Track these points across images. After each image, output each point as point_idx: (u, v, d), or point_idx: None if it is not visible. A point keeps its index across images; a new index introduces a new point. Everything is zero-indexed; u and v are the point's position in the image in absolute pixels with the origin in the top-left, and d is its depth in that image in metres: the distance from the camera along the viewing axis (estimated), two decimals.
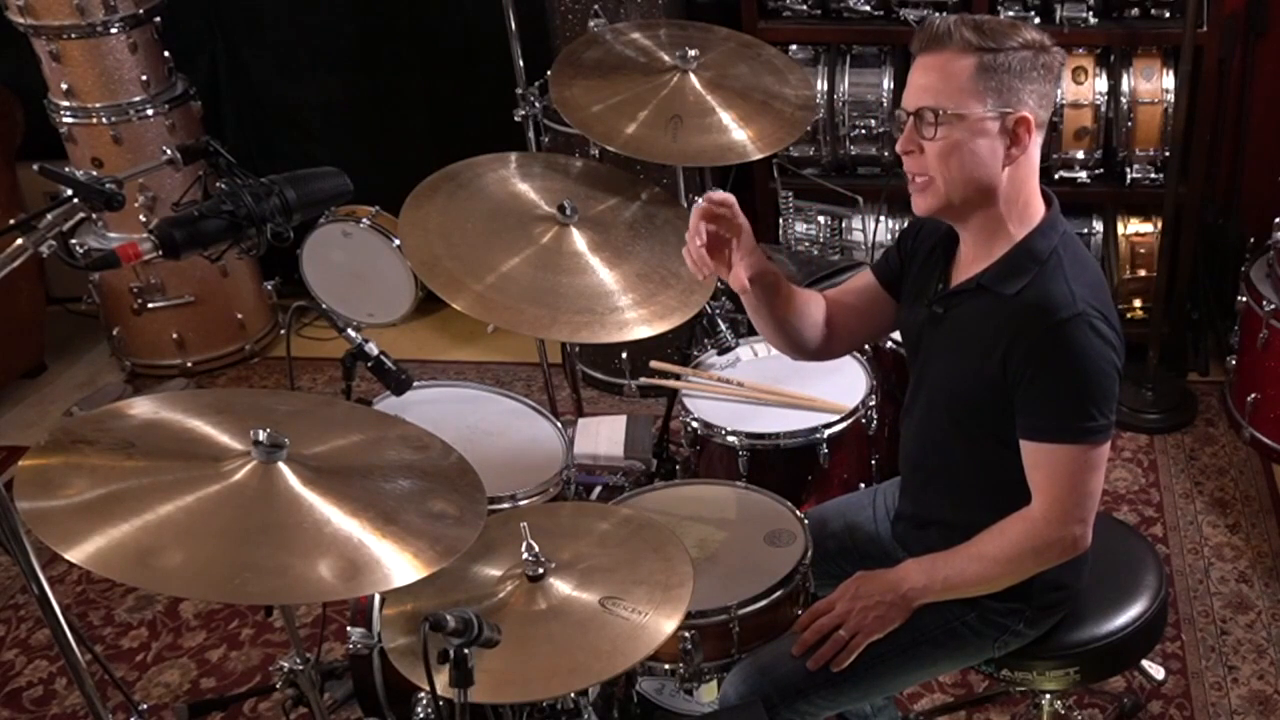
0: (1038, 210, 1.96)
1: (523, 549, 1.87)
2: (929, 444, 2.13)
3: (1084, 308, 1.86)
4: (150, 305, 4.02)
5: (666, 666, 2.08)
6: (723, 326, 2.74)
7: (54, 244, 1.63)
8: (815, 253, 3.74)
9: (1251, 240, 3.54)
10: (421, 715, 2.06)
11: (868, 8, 3.58)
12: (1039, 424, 1.90)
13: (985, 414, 1.96)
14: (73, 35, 3.67)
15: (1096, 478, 1.93)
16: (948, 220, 2.00)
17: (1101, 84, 3.52)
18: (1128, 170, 3.58)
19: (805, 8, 3.62)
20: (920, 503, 2.19)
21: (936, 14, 1.88)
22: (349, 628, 2.29)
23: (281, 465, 1.71)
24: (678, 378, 2.74)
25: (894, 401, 2.55)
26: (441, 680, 1.64)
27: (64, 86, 3.75)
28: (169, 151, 1.85)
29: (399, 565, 1.65)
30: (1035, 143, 1.91)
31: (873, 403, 2.59)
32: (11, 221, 1.64)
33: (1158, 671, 2.42)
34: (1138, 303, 3.74)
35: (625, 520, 2.08)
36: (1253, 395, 3.43)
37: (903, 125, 1.91)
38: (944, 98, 1.85)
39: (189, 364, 4.14)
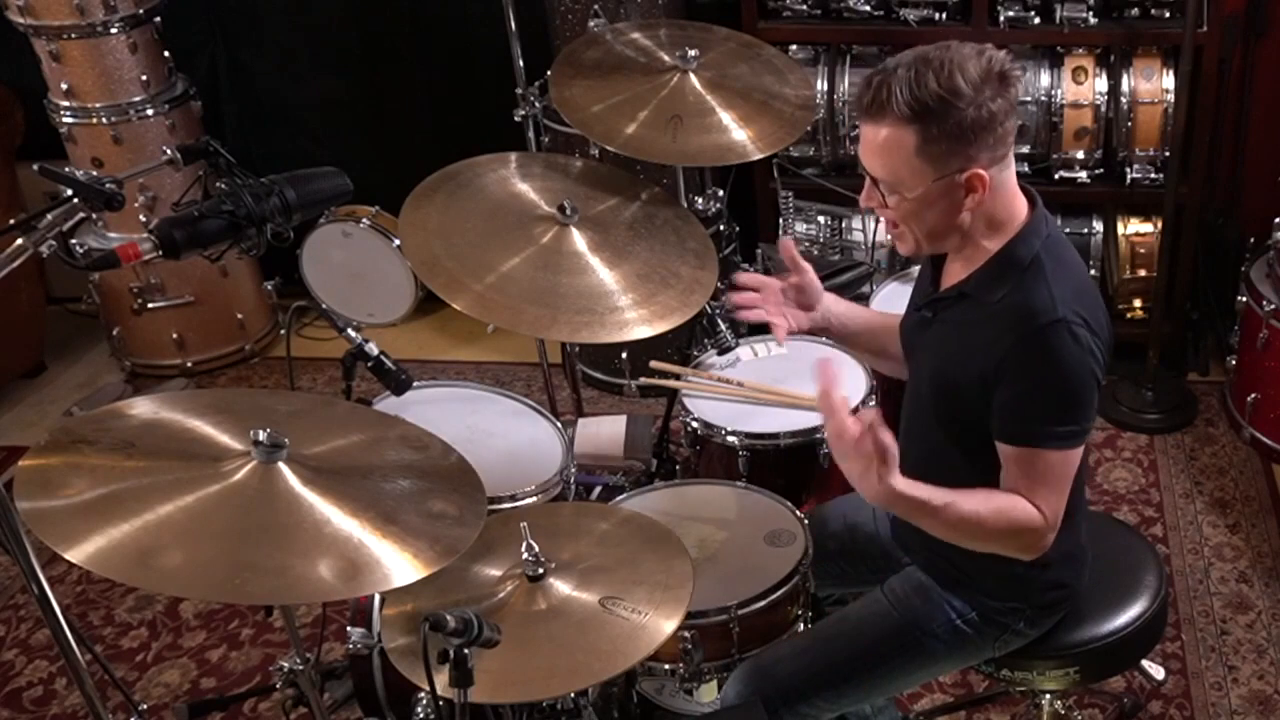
0: (1018, 216, 1.94)
1: (523, 549, 1.87)
2: (920, 446, 2.12)
3: (1065, 313, 1.84)
4: (150, 305, 4.01)
5: (666, 666, 2.08)
6: (723, 326, 2.73)
7: (54, 244, 1.63)
8: (815, 253, 3.74)
9: (1251, 240, 3.54)
10: (421, 715, 2.06)
11: (868, 8, 3.57)
12: (1011, 427, 1.89)
13: (970, 417, 1.96)
14: (73, 35, 3.67)
15: (1064, 484, 1.90)
16: (932, 253, 2.03)
17: (1101, 84, 3.52)
18: (1128, 170, 3.58)
19: (805, 8, 3.62)
20: None
21: (881, 69, 1.82)
22: (349, 628, 2.29)
23: (281, 465, 1.71)
24: (678, 378, 2.74)
25: (894, 401, 2.55)
26: (441, 680, 1.64)
27: (64, 86, 3.75)
28: (169, 151, 1.85)
29: (399, 565, 1.65)
30: (1009, 160, 1.89)
31: (873, 403, 2.59)
32: (11, 221, 1.64)
33: (1158, 671, 2.42)
34: (1138, 303, 3.74)
35: (625, 520, 2.08)
36: (1253, 395, 3.43)
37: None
38: (889, 175, 1.86)
39: (189, 364, 4.14)
